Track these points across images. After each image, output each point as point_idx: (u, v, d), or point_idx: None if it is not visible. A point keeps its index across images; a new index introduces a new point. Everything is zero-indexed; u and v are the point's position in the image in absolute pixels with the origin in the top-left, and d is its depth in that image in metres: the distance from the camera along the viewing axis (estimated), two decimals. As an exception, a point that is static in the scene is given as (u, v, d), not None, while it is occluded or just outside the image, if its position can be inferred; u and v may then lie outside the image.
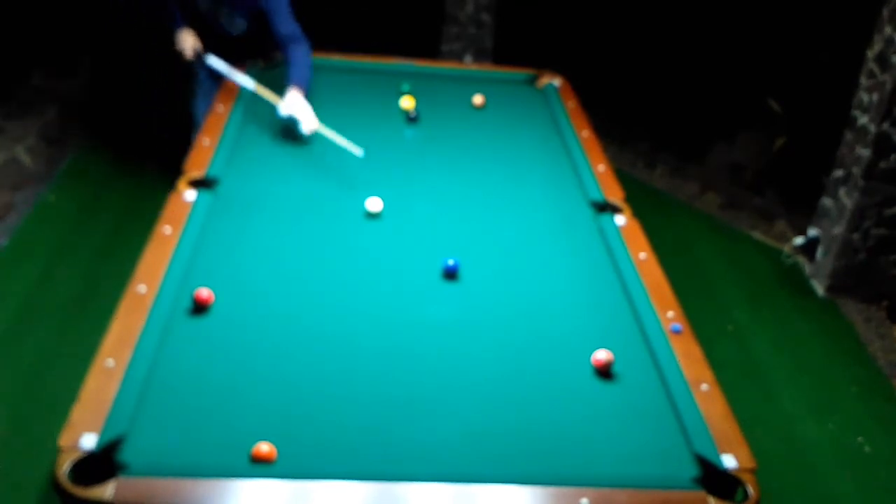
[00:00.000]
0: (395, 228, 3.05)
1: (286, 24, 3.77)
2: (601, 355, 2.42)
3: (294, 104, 3.53)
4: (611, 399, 2.35)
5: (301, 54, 3.73)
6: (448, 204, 3.26)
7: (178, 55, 3.97)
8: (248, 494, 1.90)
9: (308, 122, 3.50)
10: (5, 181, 4.50)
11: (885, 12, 4.15)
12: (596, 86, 5.15)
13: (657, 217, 4.43)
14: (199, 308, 2.48)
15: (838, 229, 4.42)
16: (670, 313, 2.64)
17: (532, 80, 4.37)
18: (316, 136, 3.53)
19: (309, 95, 3.63)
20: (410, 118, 3.84)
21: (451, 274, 2.76)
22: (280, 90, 3.64)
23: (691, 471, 2.09)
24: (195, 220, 2.87)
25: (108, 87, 5.74)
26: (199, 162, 3.23)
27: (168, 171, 3.28)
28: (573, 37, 6.29)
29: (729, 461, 2.11)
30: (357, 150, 3.30)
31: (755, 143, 5.62)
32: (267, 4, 3.76)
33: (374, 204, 3.09)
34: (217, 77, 3.92)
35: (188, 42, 3.92)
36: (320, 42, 4.41)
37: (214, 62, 3.82)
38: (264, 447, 2.00)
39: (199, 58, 3.92)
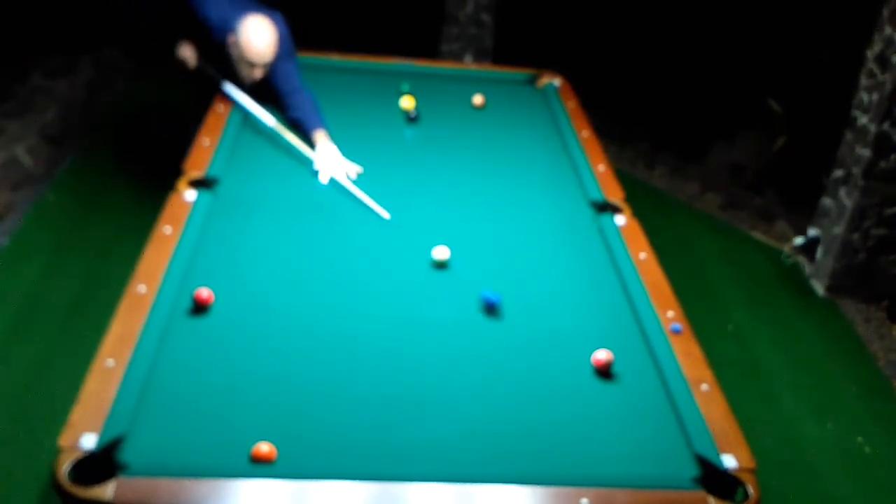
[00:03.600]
0: (395, 228, 3.04)
1: (293, 80, 3.62)
2: (601, 355, 2.42)
3: (330, 156, 3.35)
4: (611, 399, 2.35)
5: (309, 99, 3.58)
6: (448, 204, 3.26)
7: (181, 64, 3.97)
8: (248, 494, 1.90)
9: (339, 174, 3.31)
10: (5, 181, 4.50)
11: (885, 12, 4.14)
12: (596, 86, 5.15)
13: (657, 217, 4.42)
14: (199, 308, 2.48)
15: (838, 229, 4.42)
16: (670, 313, 2.64)
17: (532, 80, 4.37)
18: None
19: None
20: (410, 118, 3.84)
21: (490, 309, 2.55)
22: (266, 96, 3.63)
23: (691, 471, 2.09)
24: (195, 220, 2.87)
25: (108, 86, 5.74)
26: (199, 162, 3.23)
27: (168, 171, 3.28)
28: (573, 37, 6.29)
29: (729, 461, 2.11)
30: (385, 214, 3.10)
31: (755, 143, 5.62)
32: (275, 71, 3.59)
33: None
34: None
35: (188, 52, 3.89)
36: (320, 42, 4.41)
37: (229, 89, 3.67)
38: (264, 447, 2.00)
39: (201, 72, 3.90)
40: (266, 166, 3.36)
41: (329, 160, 3.35)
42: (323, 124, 3.51)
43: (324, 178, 3.31)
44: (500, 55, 5.77)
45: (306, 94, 3.62)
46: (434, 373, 2.36)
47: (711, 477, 2.07)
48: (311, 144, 3.45)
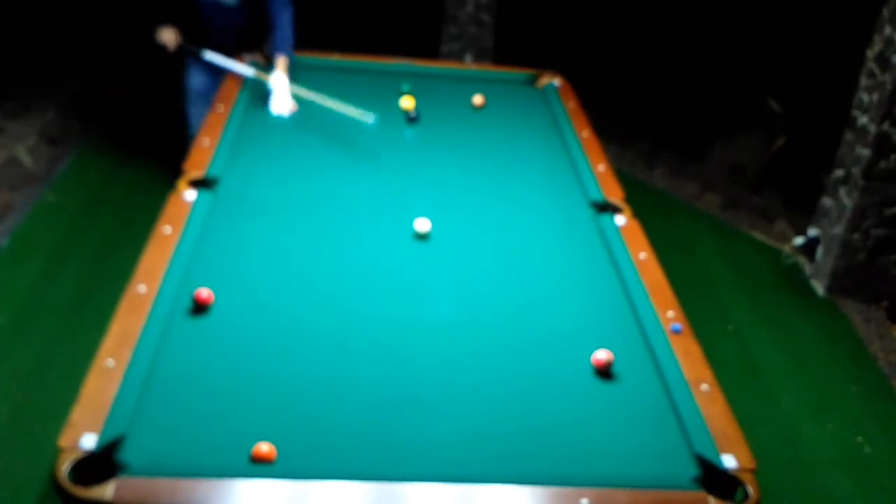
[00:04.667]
0: (395, 229, 3.04)
1: None
2: (601, 355, 2.42)
3: (280, 84, 3.73)
4: (611, 399, 2.35)
5: (287, 17, 3.91)
6: (448, 204, 3.25)
7: (162, 49, 4.05)
8: (248, 494, 1.90)
9: (281, 104, 3.67)
10: (5, 181, 4.50)
11: (885, 12, 4.15)
12: (596, 86, 5.15)
13: (657, 217, 4.43)
14: (199, 308, 2.48)
15: (838, 229, 4.42)
16: (670, 313, 2.64)
17: (532, 80, 4.37)
18: (323, 118, 3.66)
19: (295, 69, 3.84)
20: (410, 118, 3.84)
21: None
22: None
23: (691, 471, 2.09)
24: (195, 220, 2.87)
25: (108, 86, 5.74)
26: (199, 162, 3.23)
27: (168, 171, 3.28)
28: (573, 37, 6.29)
29: (729, 461, 2.11)
30: (368, 118, 3.36)
31: (755, 143, 5.62)
32: None
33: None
34: (210, 77, 4.02)
35: (167, 35, 4.05)
36: (321, 42, 4.42)
37: (210, 56, 3.92)
38: (264, 447, 2.00)
39: (182, 50, 4.05)
40: (266, 166, 3.36)
41: (280, 89, 3.66)
42: (289, 52, 3.83)
43: (275, 109, 3.66)
44: (500, 55, 5.77)
45: (290, 9, 3.93)
46: (434, 373, 2.36)
47: (711, 477, 2.07)
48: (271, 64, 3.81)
